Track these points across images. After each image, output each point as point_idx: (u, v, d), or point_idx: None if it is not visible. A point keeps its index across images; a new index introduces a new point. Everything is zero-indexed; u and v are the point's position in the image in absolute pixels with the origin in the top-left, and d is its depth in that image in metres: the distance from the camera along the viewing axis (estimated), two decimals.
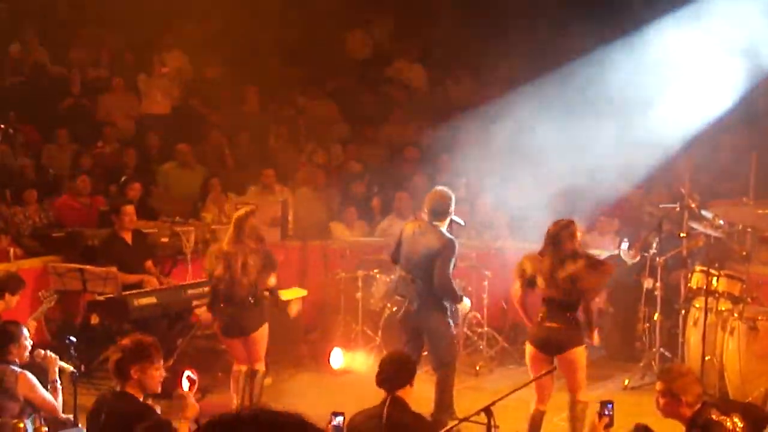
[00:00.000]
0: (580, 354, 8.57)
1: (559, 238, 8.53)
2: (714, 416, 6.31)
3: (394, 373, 6.82)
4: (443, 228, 9.26)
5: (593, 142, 13.20)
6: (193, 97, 16.60)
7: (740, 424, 6.29)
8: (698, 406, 6.41)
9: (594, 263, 8.60)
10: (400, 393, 6.73)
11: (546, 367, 8.48)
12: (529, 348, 8.75)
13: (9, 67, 16.19)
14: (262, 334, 9.51)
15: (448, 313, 9.33)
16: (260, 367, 9.66)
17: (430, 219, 9.31)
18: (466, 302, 9.66)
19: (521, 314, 9.09)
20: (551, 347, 8.53)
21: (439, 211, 9.27)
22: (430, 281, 9.16)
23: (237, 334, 9.47)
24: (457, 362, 11.50)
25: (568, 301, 8.51)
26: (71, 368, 7.93)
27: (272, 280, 9.57)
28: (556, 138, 14.13)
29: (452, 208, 9.35)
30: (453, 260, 9.22)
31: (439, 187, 9.53)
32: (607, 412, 6.49)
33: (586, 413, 8.47)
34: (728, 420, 6.29)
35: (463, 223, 9.78)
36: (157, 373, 6.61)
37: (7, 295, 9.30)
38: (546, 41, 16.41)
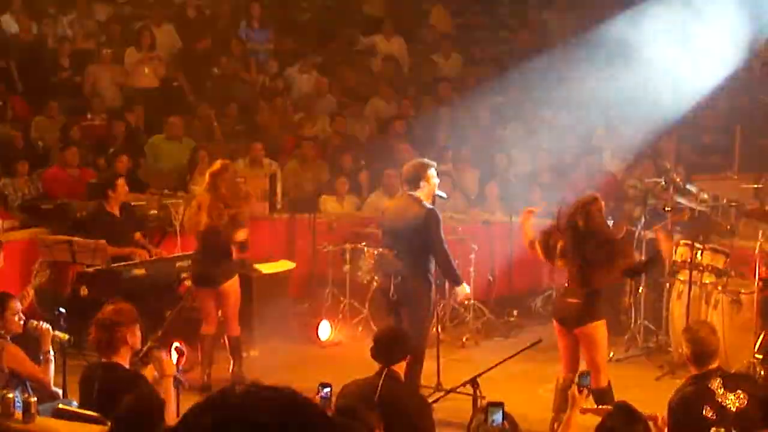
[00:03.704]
0: (597, 329, 8.43)
1: (582, 214, 8.40)
2: (712, 386, 6.43)
3: (391, 348, 6.80)
4: (422, 198, 9.03)
5: (581, 119, 13.30)
6: (181, 70, 16.58)
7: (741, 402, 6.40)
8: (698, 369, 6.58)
9: (611, 241, 8.50)
10: (395, 367, 6.73)
11: (567, 340, 8.52)
12: (554, 321, 8.72)
13: None
14: (233, 287, 9.80)
15: (432, 290, 9.04)
16: (235, 331, 9.94)
17: (406, 189, 9.14)
18: (465, 287, 9.45)
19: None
20: (569, 321, 8.46)
21: (412, 179, 9.05)
22: (413, 256, 8.95)
23: (207, 284, 9.79)
24: (444, 335, 11.63)
25: (586, 277, 8.40)
26: (66, 336, 7.91)
27: (241, 234, 9.74)
28: (543, 115, 14.24)
29: (428, 175, 9.07)
30: (441, 231, 9.02)
31: (415, 159, 9.46)
32: (585, 383, 6.49)
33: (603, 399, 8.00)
34: (726, 396, 6.41)
35: (446, 196, 9.72)
36: (140, 331, 6.81)
37: None
38: (534, 20, 16.46)
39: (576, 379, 6.54)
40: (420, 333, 8.88)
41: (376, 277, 11.66)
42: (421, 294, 8.97)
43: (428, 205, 9.03)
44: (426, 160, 9.30)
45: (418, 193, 9.03)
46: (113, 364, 6.64)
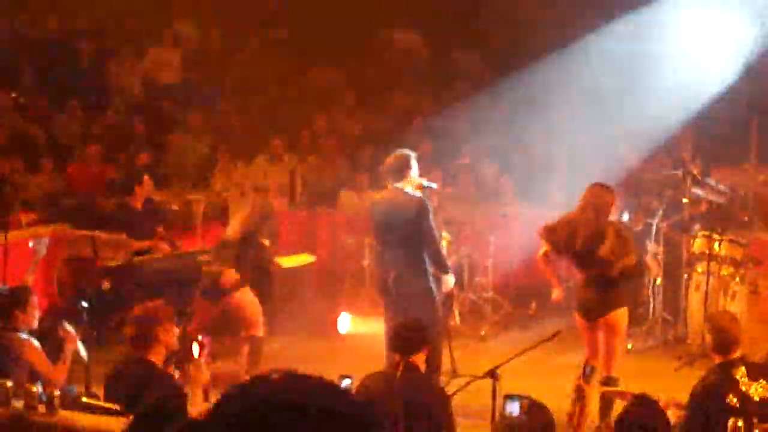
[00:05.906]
0: (621, 316, 8.45)
1: (596, 205, 8.42)
2: (736, 375, 6.47)
3: (409, 339, 6.86)
4: (409, 188, 8.93)
5: (598, 112, 13.31)
6: (202, 67, 16.65)
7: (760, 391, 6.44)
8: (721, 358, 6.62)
9: (623, 235, 8.44)
10: (413, 358, 6.78)
11: (591, 333, 8.51)
12: (576, 315, 8.67)
13: (19, 35, 16.26)
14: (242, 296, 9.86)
15: (430, 279, 8.90)
16: (256, 332, 9.92)
17: (390, 180, 9.03)
18: (451, 278, 9.27)
19: (548, 275, 9.01)
20: (592, 312, 8.45)
21: (397, 171, 8.95)
22: (407, 247, 8.84)
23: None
24: (463, 327, 11.70)
25: (607, 266, 8.35)
26: (84, 356, 7.96)
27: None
28: (560, 107, 14.24)
29: (411, 165, 8.98)
30: (432, 219, 8.94)
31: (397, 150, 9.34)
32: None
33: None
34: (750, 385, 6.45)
35: (435, 186, 9.62)
36: (175, 329, 6.81)
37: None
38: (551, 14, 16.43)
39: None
40: (432, 323, 8.58)
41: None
42: (419, 282, 8.87)
43: (417, 193, 8.97)
44: (406, 151, 9.15)
45: (403, 184, 8.93)
46: (145, 361, 6.67)
